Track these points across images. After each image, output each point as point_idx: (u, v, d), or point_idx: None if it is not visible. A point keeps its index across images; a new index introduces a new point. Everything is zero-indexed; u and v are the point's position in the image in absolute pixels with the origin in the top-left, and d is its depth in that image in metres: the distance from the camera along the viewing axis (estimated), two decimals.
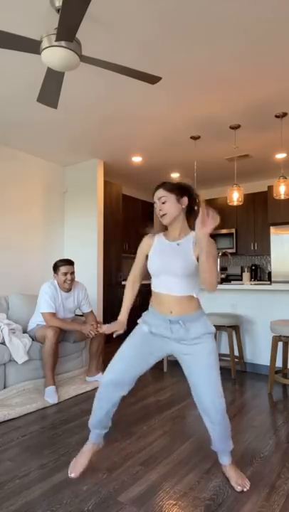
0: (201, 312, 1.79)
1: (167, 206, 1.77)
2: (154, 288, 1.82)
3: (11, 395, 2.97)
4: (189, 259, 1.72)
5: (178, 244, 1.77)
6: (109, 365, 1.80)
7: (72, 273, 3.35)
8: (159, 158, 4.93)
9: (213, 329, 1.79)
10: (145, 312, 1.87)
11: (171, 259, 1.74)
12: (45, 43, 2.07)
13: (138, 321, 1.89)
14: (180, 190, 1.78)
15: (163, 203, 1.77)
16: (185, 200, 1.78)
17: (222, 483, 1.79)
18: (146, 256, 1.86)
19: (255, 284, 3.95)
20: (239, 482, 1.76)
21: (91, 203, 5.06)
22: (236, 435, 2.32)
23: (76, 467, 1.86)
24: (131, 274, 1.96)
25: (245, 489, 1.74)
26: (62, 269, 3.30)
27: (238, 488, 1.74)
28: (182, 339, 1.74)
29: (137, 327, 1.86)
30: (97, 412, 1.83)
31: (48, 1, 2.15)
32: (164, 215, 1.78)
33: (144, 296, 5.63)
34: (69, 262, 3.34)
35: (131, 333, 1.86)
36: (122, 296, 1.98)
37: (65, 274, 3.30)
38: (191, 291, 1.75)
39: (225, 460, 1.82)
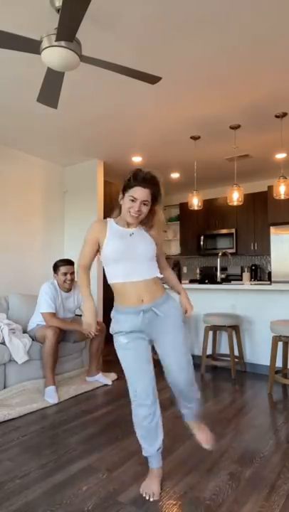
0: (167, 294, 1.81)
1: (144, 211, 1.74)
2: (114, 279, 1.76)
3: (11, 395, 2.97)
4: (151, 245, 1.77)
5: (131, 234, 1.76)
6: (134, 393, 1.72)
7: (72, 273, 3.35)
8: (159, 158, 4.93)
9: (179, 304, 1.85)
10: (112, 320, 1.80)
11: (136, 244, 1.73)
12: (45, 43, 2.07)
13: (110, 332, 1.81)
14: (157, 200, 1.77)
15: (144, 205, 1.72)
16: (152, 209, 1.78)
17: (222, 483, 1.79)
18: (97, 243, 1.78)
19: (255, 284, 3.95)
20: (205, 440, 1.93)
21: (91, 203, 5.06)
22: (236, 435, 2.32)
23: (153, 490, 1.72)
24: (82, 260, 1.84)
25: (212, 447, 1.91)
26: (62, 269, 3.30)
27: (207, 447, 1.91)
28: (154, 322, 1.74)
29: (116, 344, 1.77)
30: (154, 436, 1.75)
31: (48, 1, 2.15)
32: (137, 216, 1.73)
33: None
34: (69, 262, 3.34)
35: (120, 353, 1.76)
36: None
37: (65, 274, 3.30)
38: (155, 272, 1.78)
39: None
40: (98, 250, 1.81)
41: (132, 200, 1.70)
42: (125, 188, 1.74)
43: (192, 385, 1.82)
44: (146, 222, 1.80)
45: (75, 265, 1.81)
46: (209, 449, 1.94)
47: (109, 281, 1.81)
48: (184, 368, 1.75)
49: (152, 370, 1.74)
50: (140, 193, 1.69)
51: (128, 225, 1.78)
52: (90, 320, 1.77)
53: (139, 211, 1.71)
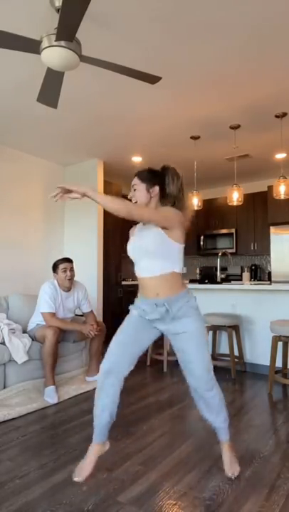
0: (185, 292, 1.80)
1: (137, 195, 1.86)
2: (137, 274, 1.88)
3: (11, 395, 2.97)
4: (155, 236, 1.76)
5: (144, 224, 1.87)
6: (106, 354, 1.80)
7: (72, 269, 3.35)
8: (159, 158, 4.93)
9: (196, 305, 1.82)
10: (136, 299, 1.92)
11: (142, 239, 1.83)
12: (45, 43, 2.07)
13: (130, 307, 1.92)
14: (151, 179, 1.86)
15: (134, 190, 1.87)
16: (156, 189, 1.86)
17: (222, 483, 1.79)
18: None
19: (255, 284, 3.96)
20: (232, 467, 1.85)
21: (91, 203, 5.06)
22: (236, 435, 2.32)
23: (82, 471, 1.75)
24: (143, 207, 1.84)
25: (234, 475, 1.83)
26: (62, 266, 3.30)
27: (229, 475, 1.83)
28: (169, 320, 1.78)
29: (128, 315, 1.90)
30: (99, 407, 1.80)
31: (48, 1, 2.15)
32: (136, 200, 1.86)
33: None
34: (67, 260, 3.35)
35: (124, 321, 1.89)
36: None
37: (65, 270, 3.29)
38: (171, 267, 1.78)
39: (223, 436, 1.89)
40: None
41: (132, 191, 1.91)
42: None
43: (209, 373, 1.79)
44: (163, 201, 1.89)
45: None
46: (231, 476, 1.83)
47: (136, 275, 1.92)
48: (200, 357, 1.77)
49: (136, 354, 1.80)
50: (132, 182, 1.90)
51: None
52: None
53: (133, 196, 1.87)
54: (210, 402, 1.81)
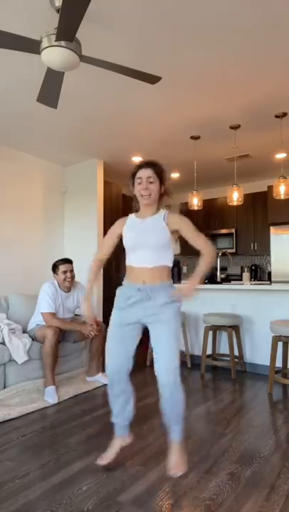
0: (168, 284, 1.89)
1: (153, 188, 1.86)
2: (129, 263, 1.92)
3: (11, 395, 2.97)
4: (161, 233, 1.86)
5: (143, 221, 1.90)
6: (108, 354, 1.90)
7: (72, 271, 3.35)
8: (159, 158, 4.84)
9: (177, 299, 1.87)
10: (118, 288, 1.97)
11: (144, 234, 1.86)
12: (45, 43, 2.07)
13: (117, 292, 1.98)
14: (163, 178, 1.90)
15: (150, 182, 1.85)
16: (163, 188, 1.91)
17: (222, 483, 1.79)
18: (118, 236, 1.98)
19: (255, 284, 3.95)
20: (174, 466, 1.86)
21: (91, 203, 5.06)
22: (236, 435, 2.32)
23: (105, 458, 1.95)
24: (97, 253, 2.07)
25: (176, 475, 1.83)
26: (62, 267, 3.30)
27: (171, 472, 1.84)
28: (149, 306, 1.84)
29: (111, 318, 1.95)
30: (114, 404, 1.94)
31: (48, 1, 2.15)
32: (148, 194, 1.85)
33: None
34: (67, 261, 3.35)
35: (109, 328, 1.94)
36: None
37: (65, 272, 3.30)
38: (163, 261, 1.88)
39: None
40: (116, 243, 2.00)
41: (139, 183, 1.86)
42: (132, 178, 1.90)
43: (173, 377, 1.79)
44: (163, 202, 1.95)
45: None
46: (173, 476, 1.83)
47: (126, 263, 1.96)
48: (167, 357, 1.80)
49: (130, 352, 1.89)
50: (143, 172, 1.85)
51: (145, 214, 1.92)
52: (85, 314, 2.05)
53: (147, 189, 1.84)
54: (170, 402, 1.84)
